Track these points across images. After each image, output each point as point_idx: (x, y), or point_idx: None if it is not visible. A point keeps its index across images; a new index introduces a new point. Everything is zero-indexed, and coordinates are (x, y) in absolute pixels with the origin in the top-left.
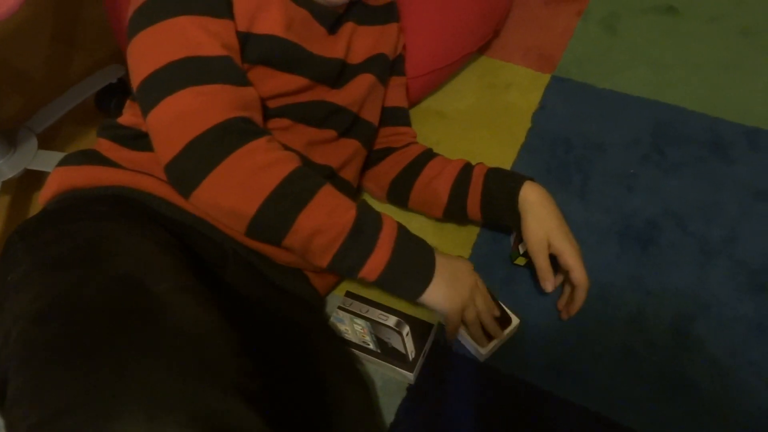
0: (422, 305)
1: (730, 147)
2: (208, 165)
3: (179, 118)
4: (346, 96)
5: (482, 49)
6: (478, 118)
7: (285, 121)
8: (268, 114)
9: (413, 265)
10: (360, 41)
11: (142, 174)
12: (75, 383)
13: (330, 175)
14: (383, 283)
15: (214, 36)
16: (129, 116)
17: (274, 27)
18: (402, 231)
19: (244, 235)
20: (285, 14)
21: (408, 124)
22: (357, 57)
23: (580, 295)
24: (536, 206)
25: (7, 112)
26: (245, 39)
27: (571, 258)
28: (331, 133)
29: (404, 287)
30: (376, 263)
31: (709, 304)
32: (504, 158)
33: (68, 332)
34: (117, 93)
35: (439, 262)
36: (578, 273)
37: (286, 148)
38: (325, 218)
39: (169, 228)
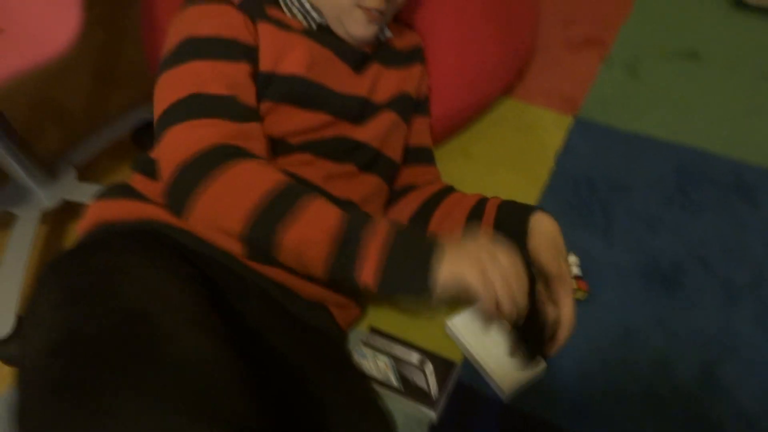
0: (446, 296)
1: (753, 190)
2: (193, 186)
3: (173, 148)
4: (368, 132)
5: (506, 91)
6: (502, 159)
7: (306, 156)
8: (290, 149)
9: (410, 257)
10: (385, 81)
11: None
12: (63, 419)
13: None
14: (385, 286)
15: (223, 77)
16: None
17: (297, 67)
18: (394, 230)
19: (260, 264)
20: (308, 54)
21: (432, 162)
22: (381, 96)
23: (565, 335)
24: (545, 229)
25: (48, 145)
26: (269, 79)
27: (564, 289)
28: (350, 168)
29: (409, 282)
30: (369, 267)
31: (735, 347)
32: (528, 198)
33: (70, 368)
34: (152, 129)
35: (442, 245)
36: (568, 308)
37: (306, 182)
38: (306, 229)
39: (192, 260)
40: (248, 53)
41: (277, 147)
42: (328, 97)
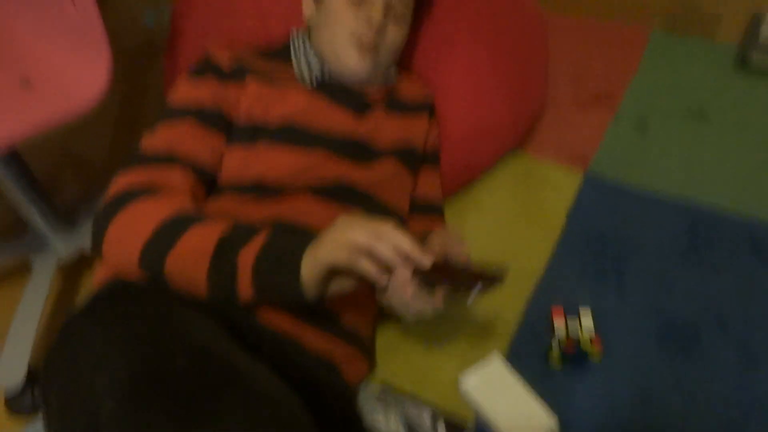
0: (319, 283)
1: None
2: (101, 227)
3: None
4: (369, 176)
5: (517, 147)
6: (513, 212)
7: (307, 197)
8: (291, 190)
9: (280, 262)
10: (388, 127)
11: None
12: None
13: None
14: (261, 296)
15: (170, 136)
16: None
17: (289, 112)
18: (269, 238)
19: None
20: (302, 101)
21: (439, 214)
22: (382, 141)
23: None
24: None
25: (68, 195)
26: (259, 126)
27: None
28: (352, 213)
29: (281, 287)
30: (245, 280)
31: (755, 410)
32: (539, 253)
33: (165, 399)
34: None
35: (307, 243)
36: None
37: (309, 227)
38: (188, 252)
39: (207, 309)
40: (211, 115)
41: (279, 189)
42: (322, 137)
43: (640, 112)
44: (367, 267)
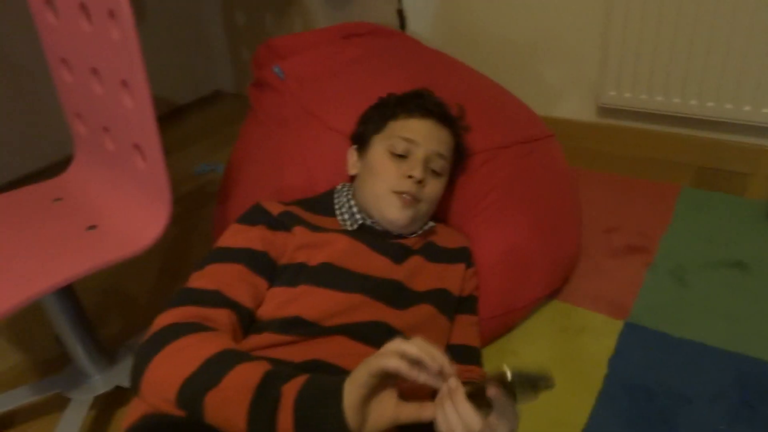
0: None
1: None
2: (143, 360)
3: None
4: (406, 320)
5: (553, 295)
6: (552, 361)
7: (342, 339)
8: (325, 331)
9: (325, 387)
10: (426, 274)
11: None
12: None
13: None
14: (301, 424)
15: (217, 275)
16: None
17: (329, 257)
18: (309, 379)
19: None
20: (343, 247)
21: (476, 362)
22: (419, 286)
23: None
24: None
25: (110, 331)
26: (300, 268)
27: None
28: None
29: (324, 414)
30: (286, 418)
31: None
32: (581, 404)
33: None
34: None
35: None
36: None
37: (342, 370)
38: (228, 390)
39: None
40: (259, 261)
41: (316, 329)
42: (360, 279)
43: (676, 263)
44: (398, 363)
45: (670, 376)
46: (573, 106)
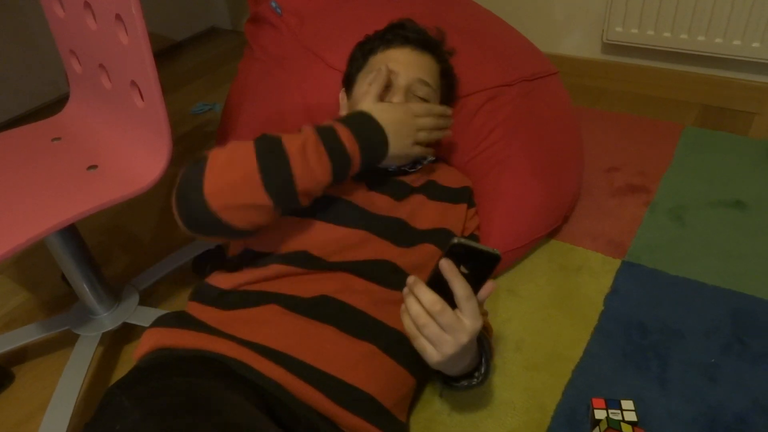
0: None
1: None
2: (196, 175)
3: None
4: (410, 259)
5: (552, 234)
6: (550, 298)
7: (349, 277)
8: (330, 267)
9: (368, 129)
10: (426, 211)
11: (223, 338)
12: None
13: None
14: (365, 148)
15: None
16: (216, 277)
17: (331, 195)
18: (344, 118)
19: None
20: (343, 187)
21: None
22: (421, 224)
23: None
24: None
25: (115, 270)
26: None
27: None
28: (398, 296)
29: (376, 145)
30: (347, 138)
31: None
32: (577, 339)
33: None
34: (212, 259)
35: (379, 117)
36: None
37: (350, 307)
38: (299, 144)
39: (246, 387)
40: None
41: (317, 264)
42: (364, 216)
43: (675, 202)
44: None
45: (664, 312)
46: (578, 43)
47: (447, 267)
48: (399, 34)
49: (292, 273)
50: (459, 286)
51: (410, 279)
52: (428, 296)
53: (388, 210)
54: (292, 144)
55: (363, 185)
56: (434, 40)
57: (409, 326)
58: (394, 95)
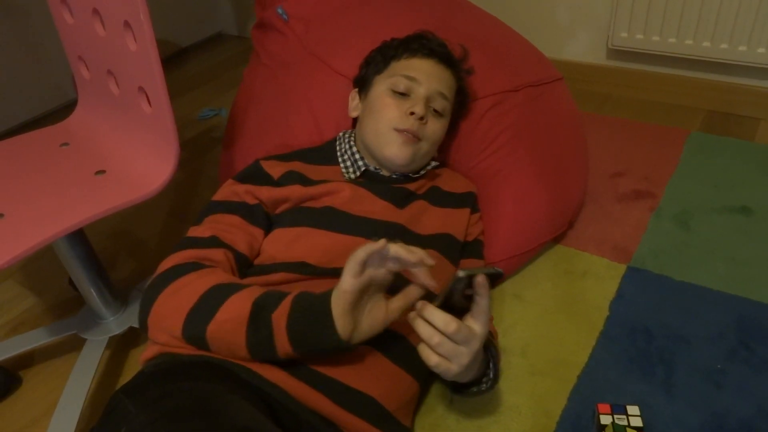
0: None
1: None
2: (148, 299)
3: None
4: None
5: (557, 239)
6: (555, 303)
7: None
8: (331, 273)
9: (312, 315)
10: (429, 217)
11: None
12: None
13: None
14: (302, 348)
15: (213, 224)
16: None
17: (331, 202)
18: (298, 294)
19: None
20: (346, 195)
21: None
22: (423, 230)
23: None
24: None
25: (121, 274)
26: (300, 210)
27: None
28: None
29: (320, 335)
30: (281, 337)
31: None
32: (583, 344)
33: None
34: None
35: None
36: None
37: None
38: (225, 321)
39: (250, 391)
40: (255, 213)
41: (322, 271)
42: (361, 223)
43: (681, 208)
44: (367, 248)
45: (670, 318)
46: (583, 49)
47: (482, 282)
48: (425, 44)
49: (294, 279)
50: (484, 303)
51: (418, 305)
52: (441, 318)
53: (387, 215)
54: (226, 311)
55: (365, 192)
56: (455, 57)
57: (422, 349)
58: (416, 105)
